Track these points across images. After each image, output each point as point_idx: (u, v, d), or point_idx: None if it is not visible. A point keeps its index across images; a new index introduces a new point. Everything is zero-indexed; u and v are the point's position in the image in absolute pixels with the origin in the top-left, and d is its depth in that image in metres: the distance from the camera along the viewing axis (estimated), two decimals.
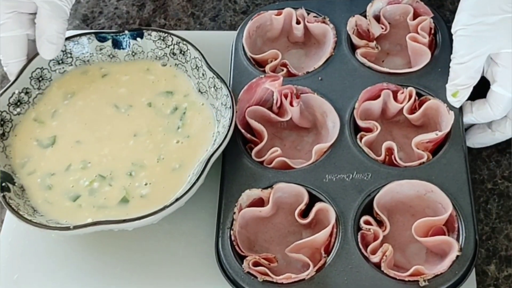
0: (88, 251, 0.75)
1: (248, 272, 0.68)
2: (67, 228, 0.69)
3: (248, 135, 0.77)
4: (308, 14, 0.86)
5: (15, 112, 0.80)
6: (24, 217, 0.70)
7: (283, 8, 0.85)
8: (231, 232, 0.70)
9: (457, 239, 0.69)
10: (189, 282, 0.73)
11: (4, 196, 0.72)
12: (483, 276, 0.72)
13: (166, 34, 0.83)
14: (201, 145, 0.77)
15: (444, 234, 0.69)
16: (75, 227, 0.69)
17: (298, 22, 0.85)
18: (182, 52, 0.82)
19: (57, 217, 0.73)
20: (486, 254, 0.73)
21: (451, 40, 0.75)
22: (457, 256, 0.67)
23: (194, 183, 0.71)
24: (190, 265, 0.74)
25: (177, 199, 0.70)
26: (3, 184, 0.74)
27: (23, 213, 0.71)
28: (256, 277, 0.67)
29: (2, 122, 0.79)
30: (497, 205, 0.77)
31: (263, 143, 0.76)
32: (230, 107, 0.76)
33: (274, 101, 0.79)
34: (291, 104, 0.78)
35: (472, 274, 0.70)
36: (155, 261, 0.74)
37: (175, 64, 0.83)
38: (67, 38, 0.83)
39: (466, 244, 0.68)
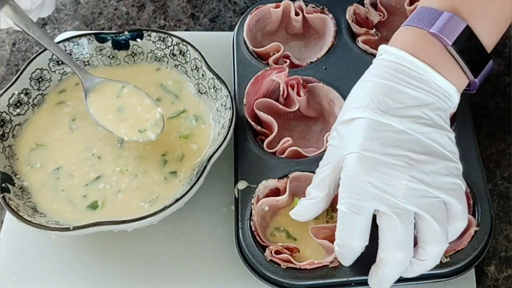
0: (88, 251, 0.75)
1: (271, 260, 0.68)
2: (67, 229, 0.69)
3: (258, 127, 0.77)
4: (307, 5, 0.86)
5: (14, 113, 0.80)
6: (24, 218, 0.70)
7: (281, 1, 0.86)
8: (251, 222, 0.70)
9: (473, 215, 0.70)
10: (188, 282, 0.73)
11: (4, 197, 0.72)
12: (482, 277, 0.72)
13: (166, 35, 0.83)
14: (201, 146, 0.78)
15: None
16: (75, 228, 0.69)
17: (297, 14, 0.86)
18: (182, 53, 0.82)
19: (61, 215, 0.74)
20: (485, 255, 0.70)
21: None
22: (475, 232, 0.68)
23: (194, 184, 0.71)
24: (190, 265, 0.74)
25: (176, 200, 0.70)
26: (3, 185, 0.73)
27: (23, 214, 0.71)
28: (279, 265, 0.68)
29: (2, 123, 0.78)
30: (497, 206, 0.77)
31: (273, 134, 0.76)
32: (230, 108, 0.76)
33: (281, 92, 0.80)
34: (298, 94, 0.78)
35: (472, 275, 0.71)
36: (155, 262, 0.74)
37: (175, 65, 0.84)
38: (67, 39, 0.83)
39: (483, 219, 0.69)
